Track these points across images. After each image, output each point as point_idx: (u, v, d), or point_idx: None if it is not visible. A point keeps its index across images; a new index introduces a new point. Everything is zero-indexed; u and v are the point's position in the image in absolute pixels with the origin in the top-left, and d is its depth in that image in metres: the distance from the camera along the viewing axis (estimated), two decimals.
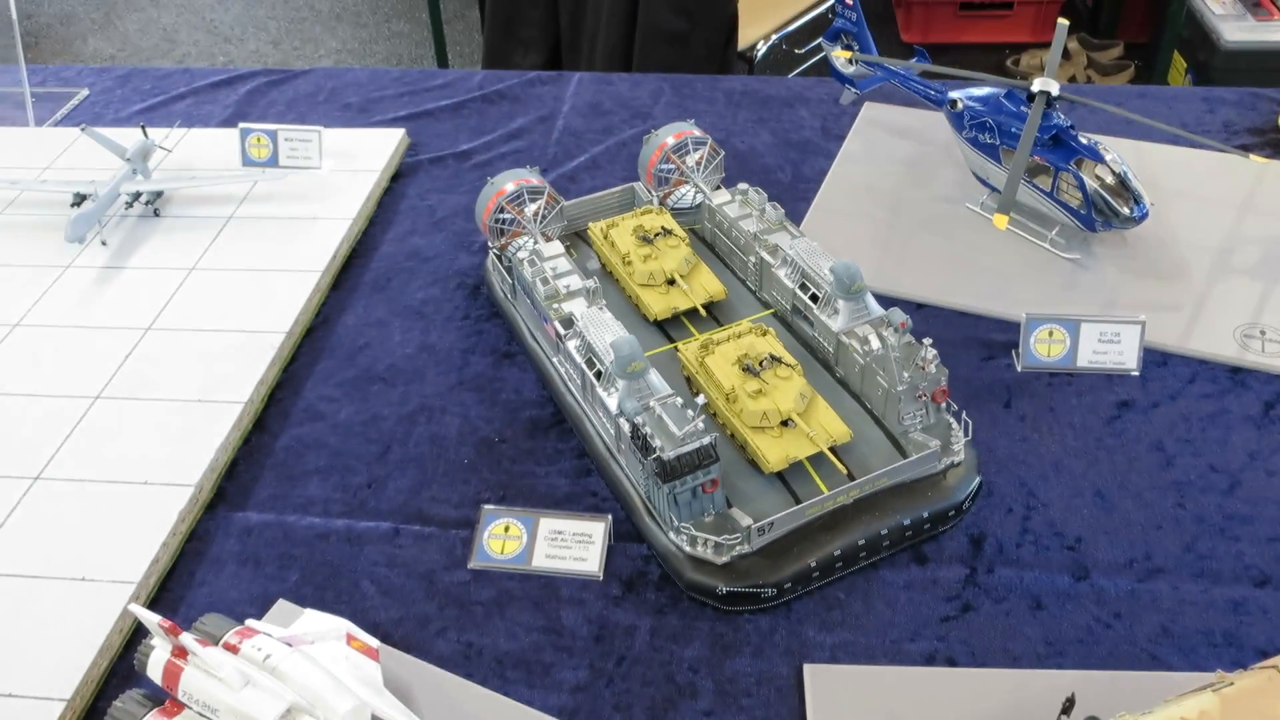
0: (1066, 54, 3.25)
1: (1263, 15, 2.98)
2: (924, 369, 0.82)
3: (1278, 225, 1.10)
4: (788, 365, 0.84)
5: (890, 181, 1.20)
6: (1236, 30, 2.93)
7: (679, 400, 0.79)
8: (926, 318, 1.02)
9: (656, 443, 0.76)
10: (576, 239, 1.07)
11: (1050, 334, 0.95)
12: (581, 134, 1.31)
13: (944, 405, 0.85)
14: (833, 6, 1.20)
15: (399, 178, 1.25)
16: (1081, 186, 1.03)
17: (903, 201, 1.16)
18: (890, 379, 0.83)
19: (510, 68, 2.39)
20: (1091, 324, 0.95)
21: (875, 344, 0.85)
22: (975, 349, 0.99)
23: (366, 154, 1.24)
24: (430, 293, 1.08)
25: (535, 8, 2.40)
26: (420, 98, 1.39)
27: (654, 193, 1.08)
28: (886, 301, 1.01)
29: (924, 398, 0.83)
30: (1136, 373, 0.95)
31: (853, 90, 1.24)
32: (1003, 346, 0.98)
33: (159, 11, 4.04)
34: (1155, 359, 0.97)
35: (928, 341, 0.83)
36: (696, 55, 2.26)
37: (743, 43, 2.45)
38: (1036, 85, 1.04)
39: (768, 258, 0.96)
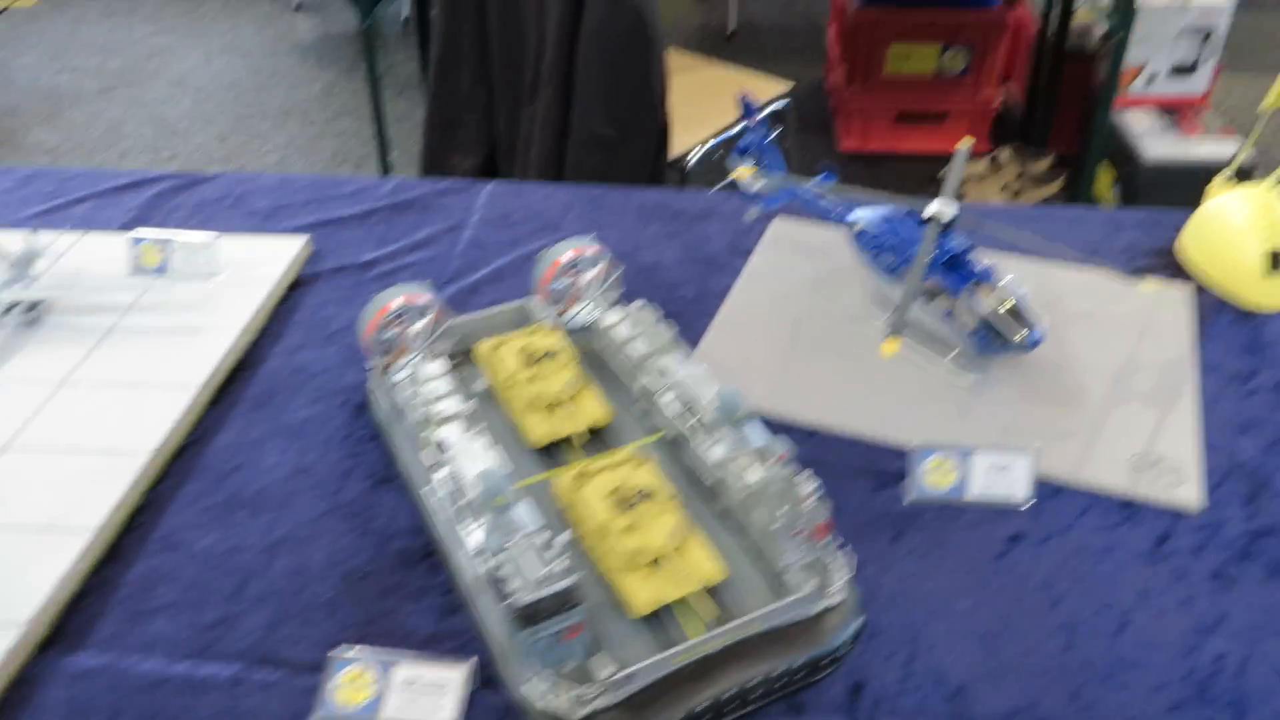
0: (998, 164, 3.34)
1: (1183, 132, 3.09)
2: (800, 505, 0.79)
3: (1175, 349, 1.10)
4: (663, 499, 0.81)
5: (794, 300, 1.19)
6: (1158, 146, 3.04)
7: (544, 537, 0.75)
8: (819, 444, 1.00)
9: (514, 584, 0.72)
10: (469, 358, 1.04)
11: (940, 464, 0.93)
12: (487, 245, 1.29)
13: (826, 542, 0.81)
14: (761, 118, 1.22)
15: (298, 287, 1.22)
16: (976, 311, 1.02)
17: (805, 321, 1.15)
18: (767, 514, 0.80)
19: (447, 171, 2.40)
20: (982, 454, 0.93)
21: (754, 476, 0.82)
22: (867, 478, 0.96)
23: (264, 262, 1.21)
24: (313, 411, 1.04)
25: (473, 112, 2.41)
26: (329, 205, 1.37)
27: (548, 310, 1.05)
28: (779, 427, 0.99)
29: (803, 534, 0.80)
30: (1028, 505, 0.93)
31: (757, 207, 1.24)
32: (895, 476, 0.96)
33: (107, 104, 4.05)
34: (1048, 490, 0.94)
35: (806, 474, 0.80)
36: (628, 163, 2.27)
37: (676, 151, 2.48)
38: (930, 209, 1.04)
39: (654, 381, 0.93)
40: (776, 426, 1.01)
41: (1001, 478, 0.93)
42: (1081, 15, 3.33)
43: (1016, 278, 1.04)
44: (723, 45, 4.53)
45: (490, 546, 0.74)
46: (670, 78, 2.91)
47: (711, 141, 2.60)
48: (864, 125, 3.59)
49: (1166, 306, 1.17)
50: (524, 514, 0.77)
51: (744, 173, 1.17)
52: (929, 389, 1.05)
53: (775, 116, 2.74)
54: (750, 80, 2.79)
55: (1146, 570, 0.87)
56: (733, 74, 2.83)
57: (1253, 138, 1.28)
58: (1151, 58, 3.12)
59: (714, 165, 2.80)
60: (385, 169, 3.20)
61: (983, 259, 1.05)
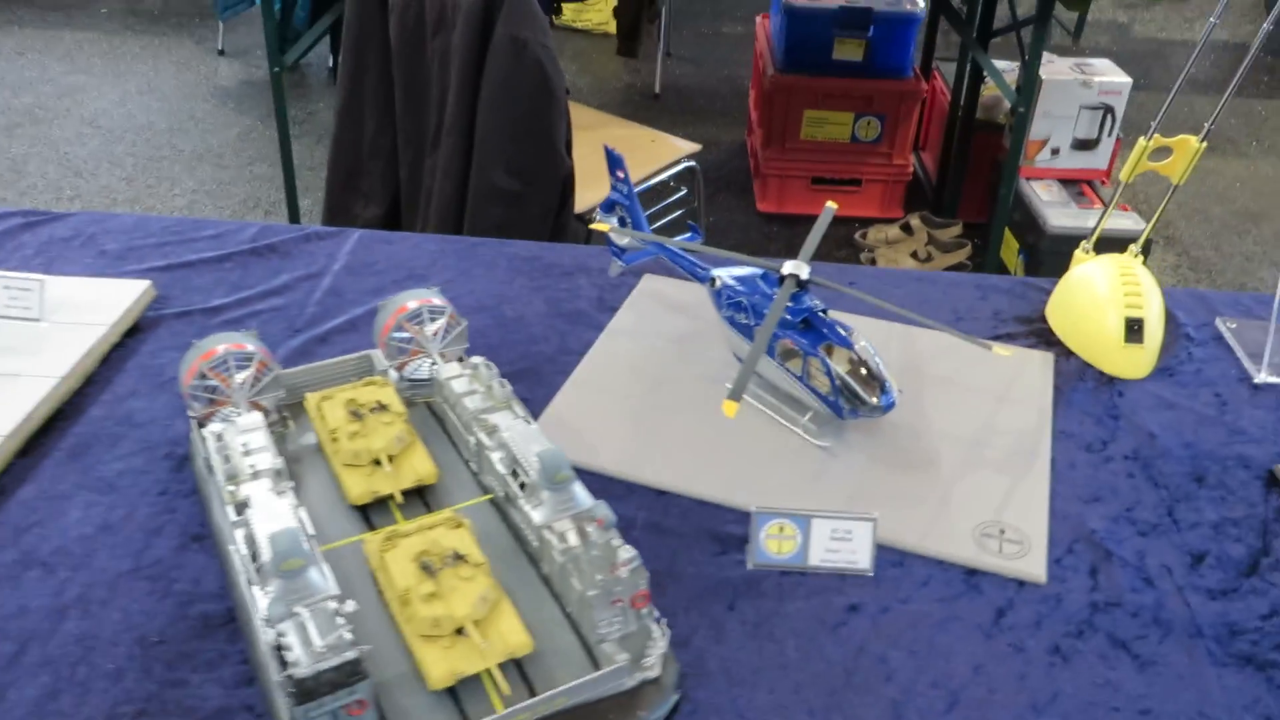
0: (909, 230, 3.39)
1: (1084, 203, 3.17)
2: (614, 572, 0.75)
3: (1029, 417, 1.09)
4: (472, 564, 0.77)
5: (655, 358, 1.16)
6: (1060, 216, 3.11)
7: (335, 605, 0.70)
8: (665, 507, 0.96)
9: (294, 655, 0.66)
10: (299, 410, 0.99)
11: (781, 529, 0.90)
12: (345, 294, 1.24)
13: (645, 612, 0.77)
14: (670, 176, 1.21)
15: (136, 333, 1.16)
16: (829, 373, 1.00)
17: (663, 380, 1.12)
18: (583, 581, 0.76)
19: (350, 219, 2.35)
20: (823, 520, 0.90)
21: (573, 541, 0.78)
22: (708, 543, 0.93)
23: (100, 306, 1.15)
24: (131, 463, 0.98)
25: (376, 160, 2.38)
26: (185, 248, 1.32)
27: (390, 362, 1.01)
28: (627, 488, 0.95)
29: (621, 603, 0.76)
30: (870, 573, 0.90)
31: (620, 262, 1.21)
32: (738, 541, 0.93)
33: (11, 141, 3.94)
34: (893, 558, 0.92)
35: (616, 544, 0.76)
36: (531, 216, 2.25)
37: (582, 205, 2.46)
38: (786, 268, 1.03)
39: (485, 439, 0.89)
40: (624, 488, 0.98)
41: (843, 545, 0.90)
42: (991, 89, 3.42)
43: (869, 342, 1.03)
44: (649, 106, 4.57)
45: (274, 614, 0.69)
46: (582, 134, 2.91)
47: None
48: (780, 187, 3.63)
49: (1028, 373, 1.16)
50: (317, 578, 0.72)
51: (603, 226, 1.15)
52: (783, 451, 1.03)
53: (684, 176, 2.76)
54: (661, 140, 2.80)
55: (984, 644, 0.84)
56: (645, 133, 2.84)
57: (1113, 204, 1.29)
58: (1055, 132, 3.21)
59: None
60: (294, 215, 3.14)
61: (839, 321, 1.03)
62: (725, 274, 1.11)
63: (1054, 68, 3.18)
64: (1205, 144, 1.18)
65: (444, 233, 1.91)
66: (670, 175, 2.70)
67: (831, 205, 1.20)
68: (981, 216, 3.42)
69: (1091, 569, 0.92)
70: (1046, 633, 0.86)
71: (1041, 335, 1.23)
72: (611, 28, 4.93)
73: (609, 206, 1.23)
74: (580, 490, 0.81)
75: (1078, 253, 1.27)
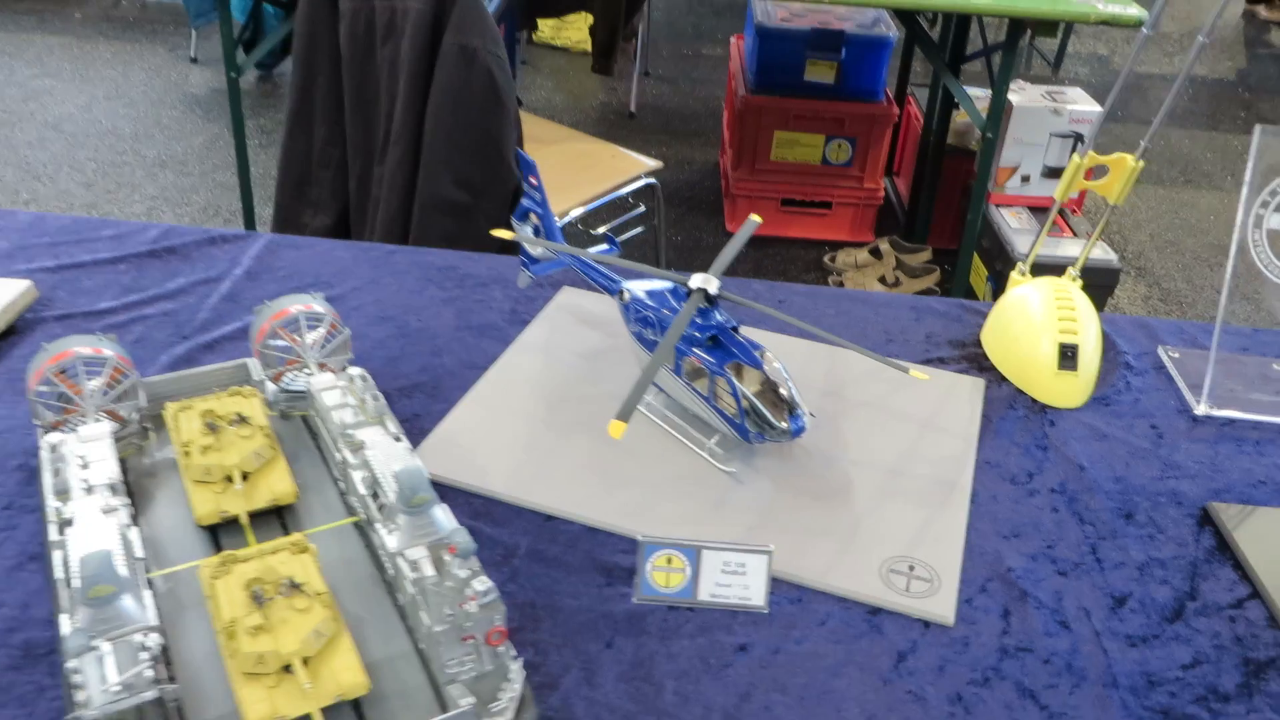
0: (878, 254, 3.34)
1: (1054, 232, 3.13)
2: (463, 607, 0.68)
3: (953, 445, 1.03)
4: (309, 594, 0.70)
5: (561, 374, 1.09)
6: (1029, 244, 3.06)
7: (143, 635, 0.63)
8: (552, 533, 0.89)
9: (84, 694, 0.59)
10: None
11: (669, 561, 0.83)
12: (242, 300, 1.18)
13: (503, 650, 0.71)
14: (629, 193, 1.15)
15: (9, 335, 1.09)
16: (735, 394, 0.94)
17: (568, 398, 1.06)
18: (434, 615, 0.69)
19: (299, 229, 2.29)
20: (714, 551, 0.83)
21: (426, 570, 0.71)
22: (593, 574, 0.86)
23: None
24: None
25: (326, 169, 2.32)
26: (80, 248, 1.25)
27: (265, 372, 0.94)
28: (511, 512, 0.89)
29: (473, 640, 0.69)
30: (764, 610, 0.83)
31: (529, 273, 1.15)
32: (626, 572, 0.86)
33: None
34: (791, 595, 0.85)
35: (470, 575, 0.69)
36: (479, 228, 2.19)
37: None
38: (694, 281, 0.97)
39: (349, 456, 0.83)
40: (510, 512, 0.91)
41: (735, 579, 0.83)
42: (964, 114, 3.39)
43: (782, 363, 0.96)
44: (624, 124, 4.53)
45: (72, 646, 0.62)
46: (541, 148, 2.85)
47: (577, 210, 2.54)
48: (750, 209, 3.58)
49: (956, 399, 1.10)
50: (131, 608, 0.65)
51: (505, 234, 1.09)
52: (686, 476, 0.96)
53: (645, 193, 2.71)
54: (621, 156, 2.74)
55: (881, 691, 0.78)
56: (605, 148, 2.79)
57: (1048, 224, 1.24)
58: (1025, 159, 3.17)
59: (579, 234, 2.74)
60: (250, 223, 3.08)
61: (750, 340, 0.97)
62: (635, 287, 1.05)
63: (1026, 95, 3.15)
64: (1143, 163, 1.13)
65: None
66: (629, 191, 2.65)
67: (755, 218, 1.14)
68: (952, 243, 3.38)
69: (1004, 610, 0.85)
70: (950, 679, 0.79)
71: (975, 360, 1.18)
72: (589, 46, 4.90)
73: (523, 214, 1.17)
74: (441, 514, 0.75)
75: (1014, 274, 1.22)
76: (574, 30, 5.19)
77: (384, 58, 2.15)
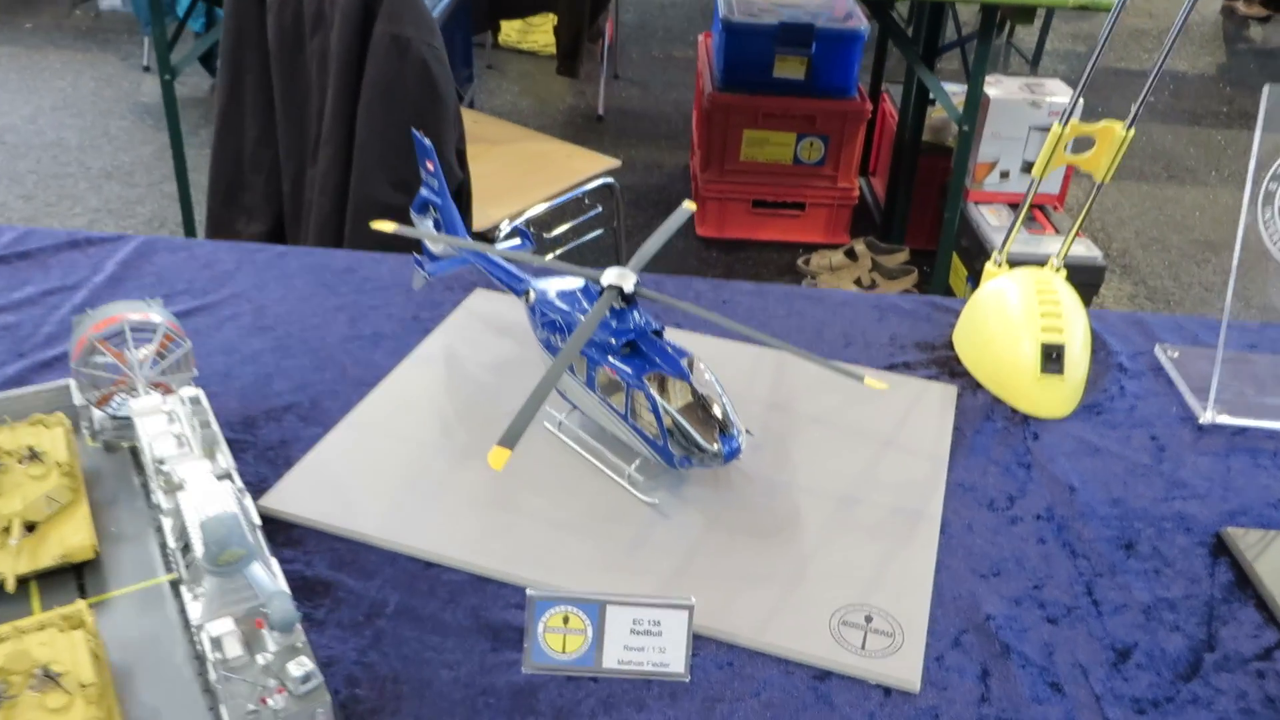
0: (854, 256, 3.20)
1: (1035, 228, 2.99)
2: (268, 701, 0.52)
3: (920, 466, 0.87)
4: (70, 688, 0.53)
5: (462, 391, 0.93)
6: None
7: None
8: (431, 585, 0.73)
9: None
10: None
11: (565, 620, 0.67)
12: None
13: None
14: (585, 193, 1.01)
15: None
16: (655, 410, 0.78)
17: (467, 419, 0.90)
18: (231, 710, 0.53)
19: (232, 235, 2.13)
20: (621, 608, 0.67)
21: (231, 650, 0.55)
22: (478, 636, 0.70)
23: None
24: None
25: (258, 173, 2.16)
26: None
27: (89, 395, 0.78)
28: (384, 559, 0.73)
29: None
30: (685, 679, 0.67)
31: (423, 273, 0.99)
32: (520, 633, 0.70)
33: None
34: (721, 657, 0.69)
35: (275, 658, 0.53)
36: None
37: (482, 222, 2.25)
38: (607, 277, 0.81)
39: (163, 500, 0.66)
40: (383, 560, 0.75)
41: (649, 641, 0.67)
42: (940, 111, 3.25)
43: (714, 374, 0.81)
44: (591, 128, 4.38)
45: None
46: (492, 148, 2.69)
47: (530, 212, 2.38)
48: (720, 211, 3.44)
49: (924, 410, 0.94)
50: None
51: (385, 225, 0.93)
52: (601, 511, 0.80)
53: (602, 193, 2.55)
54: (578, 155, 2.59)
55: None
56: (561, 148, 2.63)
57: (1025, 206, 1.09)
58: (1004, 154, 3.04)
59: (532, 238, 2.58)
60: (190, 232, 2.92)
61: (677, 345, 0.81)
62: (545, 286, 0.89)
63: (1003, 88, 3.02)
64: (1133, 131, 0.98)
65: None
66: (585, 192, 2.50)
67: (687, 205, 0.98)
68: (931, 243, 3.24)
69: (982, 671, 0.70)
70: None
71: (945, 364, 1.02)
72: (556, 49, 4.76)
73: (421, 206, 1.02)
74: (261, 575, 0.59)
75: (989, 266, 1.06)
76: (540, 34, 5.05)
77: (313, 51, 1.99)
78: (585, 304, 0.85)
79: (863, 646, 0.70)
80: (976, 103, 2.68)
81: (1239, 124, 4.85)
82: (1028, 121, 2.98)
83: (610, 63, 4.71)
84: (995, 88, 2.99)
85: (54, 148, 3.88)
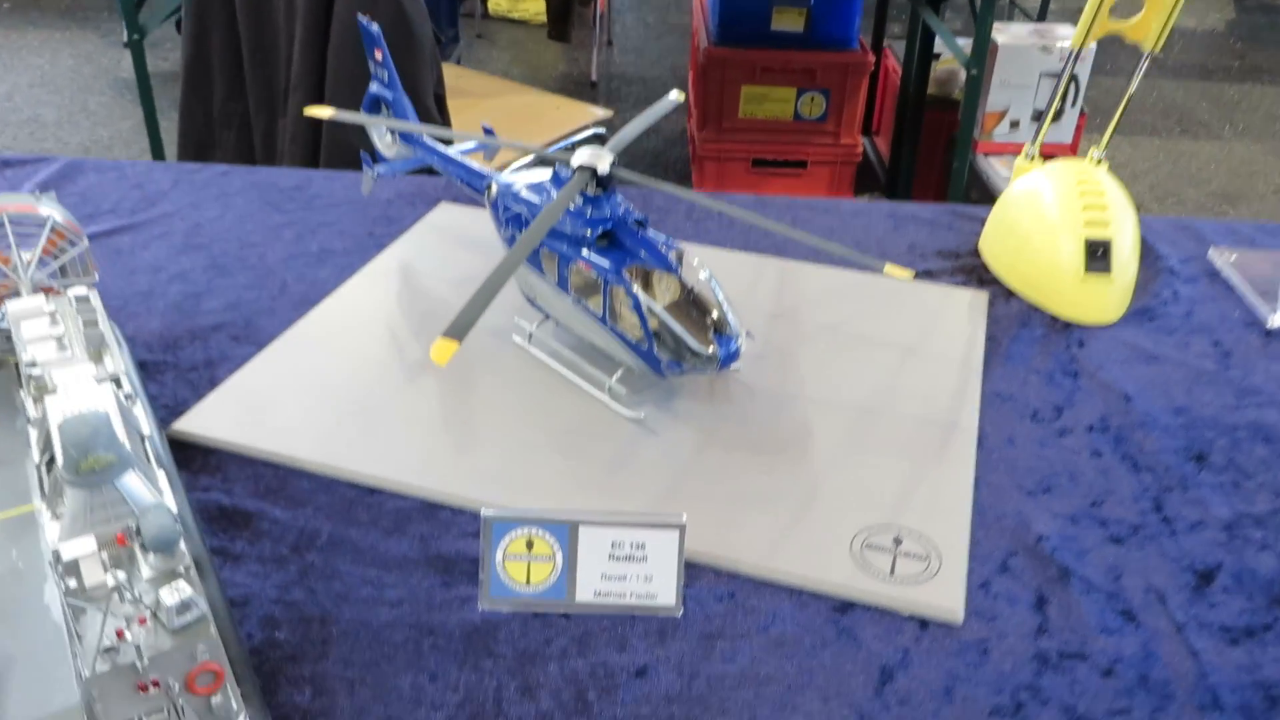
0: None
1: None
2: (124, 635, 0.40)
3: (949, 375, 0.75)
4: None
5: (418, 306, 0.81)
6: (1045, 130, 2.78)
7: None
8: (373, 513, 0.61)
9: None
10: None
11: (529, 545, 0.55)
12: None
13: (219, 702, 0.43)
14: (575, 143, 0.89)
15: None
16: (638, 308, 0.66)
17: (421, 334, 0.78)
18: (83, 648, 0.41)
19: None
20: (597, 529, 0.55)
21: (90, 576, 0.43)
22: (426, 570, 0.58)
23: None
24: None
25: (228, 129, 2.05)
26: None
27: None
28: (320, 486, 0.61)
29: (158, 689, 0.41)
30: (676, 613, 0.55)
31: (371, 173, 0.87)
32: (475, 565, 0.58)
33: None
34: (719, 588, 0.57)
35: (146, 584, 0.41)
36: None
37: None
38: (579, 158, 0.69)
39: (30, 408, 0.54)
40: (318, 486, 0.63)
41: (632, 569, 0.55)
42: (946, 61, 3.12)
43: (708, 269, 0.69)
44: (584, 94, 4.25)
45: None
46: (479, 101, 2.56)
47: (517, 163, 2.26)
48: (719, 171, 3.30)
49: (951, 317, 0.82)
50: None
51: (320, 110, 0.81)
52: (575, 430, 0.68)
53: (592, 143, 2.43)
54: (567, 106, 2.47)
55: None
56: (550, 100, 2.51)
57: (1064, 77, 0.96)
58: (1014, 103, 2.90)
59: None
60: None
61: (664, 236, 0.69)
62: (510, 179, 0.77)
63: (1011, 34, 2.88)
64: None
65: None
66: (575, 142, 2.38)
67: (675, 94, 0.86)
68: (938, 199, 3.11)
69: (1037, 598, 0.57)
70: (962, 712, 0.51)
71: (973, 272, 0.90)
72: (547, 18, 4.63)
73: (371, 104, 0.89)
74: (136, 486, 0.47)
75: (1019, 161, 0.94)
76: (531, 2, 4.92)
77: None
78: (555, 194, 0.72)
79: (892, 572, 0.58)
80: (985, 43, 2.55)
81: (1251, 79, 4.71)
82: (1038, 68, 2.84)
83: (603, 29, 4.57)
84: (1003, 34, 2.86)
85: (30, 124, 3.76)
